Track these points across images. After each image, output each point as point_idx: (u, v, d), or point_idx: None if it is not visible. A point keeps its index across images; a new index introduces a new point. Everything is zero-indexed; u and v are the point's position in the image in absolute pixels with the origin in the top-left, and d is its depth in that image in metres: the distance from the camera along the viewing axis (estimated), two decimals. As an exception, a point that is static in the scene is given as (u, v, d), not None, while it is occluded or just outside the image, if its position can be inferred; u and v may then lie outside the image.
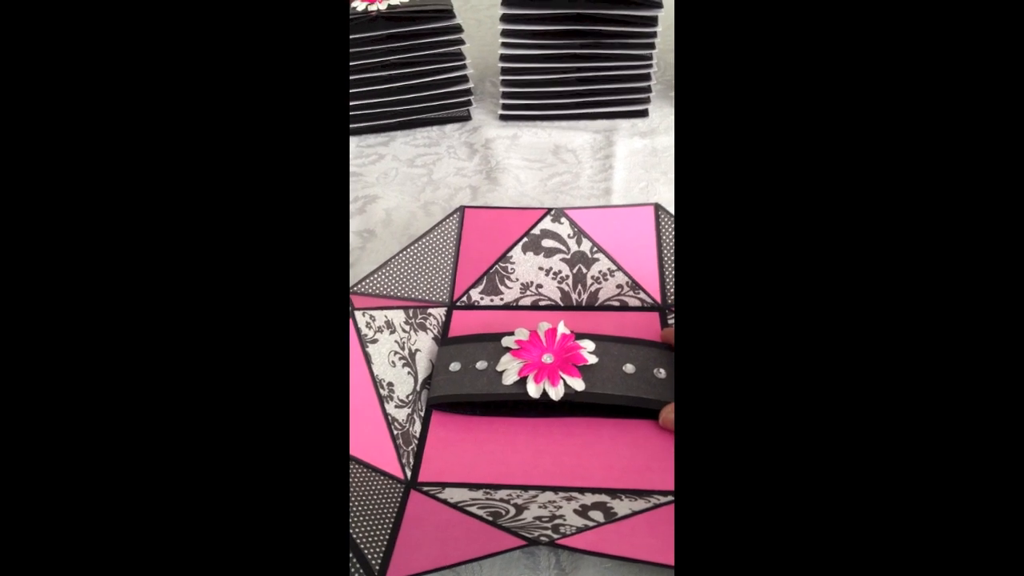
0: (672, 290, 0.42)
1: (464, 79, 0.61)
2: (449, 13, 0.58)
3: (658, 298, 0.41)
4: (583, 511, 0.29)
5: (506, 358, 0.36)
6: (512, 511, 0.30)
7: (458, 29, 0.58)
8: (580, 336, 0.37)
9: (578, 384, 0.34)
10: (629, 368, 0.35)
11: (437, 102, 0.62)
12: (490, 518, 0.29)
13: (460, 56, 0.60)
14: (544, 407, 0.35)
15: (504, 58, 0.60)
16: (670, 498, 0.30)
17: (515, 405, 0.35)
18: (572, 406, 0.35)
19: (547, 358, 0.36)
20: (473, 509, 0.30)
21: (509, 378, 0.35)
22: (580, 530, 0.28)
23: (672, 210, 0.46)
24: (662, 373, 0.35)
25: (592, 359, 0.36)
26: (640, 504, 0.30)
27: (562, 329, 0.37)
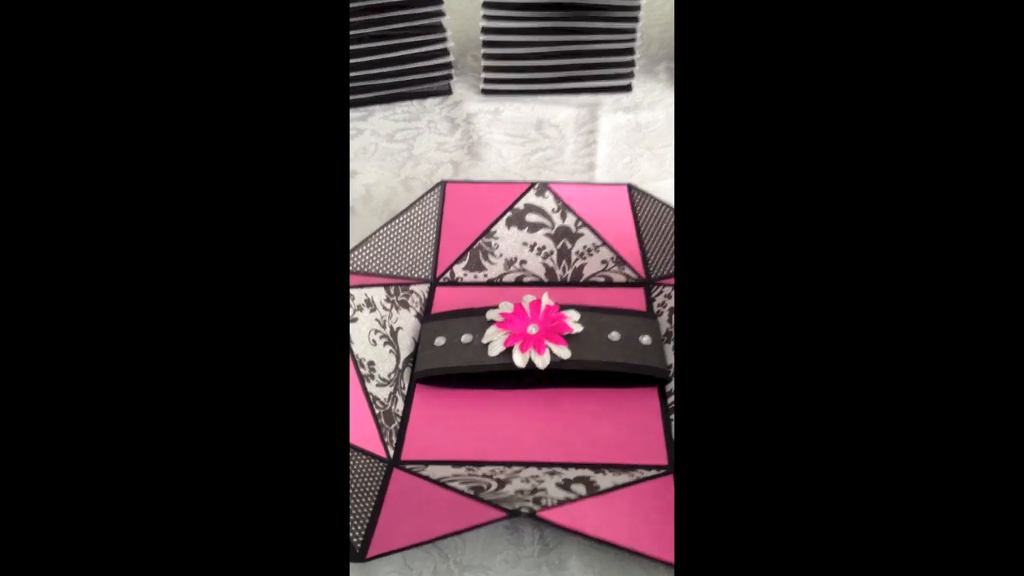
0: (655, 266, 0.41)
1: (445, 52, 0.60)
2: (429, -16, 0.56)
3: (643, 273, 0.41)
4: (565, 484, 0.29)
5: (491, 330, 0.36)
6: (494, 485, 0.29)
7: (438, 0, 0.57)
8: (565, 307, 0.37)
9: (564, 352, 0.34)
10: (614, 336, 0.35)
11: (417, 75, 0.61)
12: (471, 492, 0.28)
13: (440, 28, 0.59)
14: (530, 377, 0.35)
15: (486, 30, 0.59)
16: (653, 472, 0.30)
17: (501, 377, 0.35)
18: (558, 375, 0.35)
19: (532, 328, 0.35)
20: (455, 484, 0.29)
21: (495, 349, 0.35)
22: (561, 503, 0.27)
23: (651, 188, 0.45)
24: (647, 340, 0.35)
25: (577, 328, 0.35)
26: (624, 478, 0.29)
27: (547, 301, 0.37)
